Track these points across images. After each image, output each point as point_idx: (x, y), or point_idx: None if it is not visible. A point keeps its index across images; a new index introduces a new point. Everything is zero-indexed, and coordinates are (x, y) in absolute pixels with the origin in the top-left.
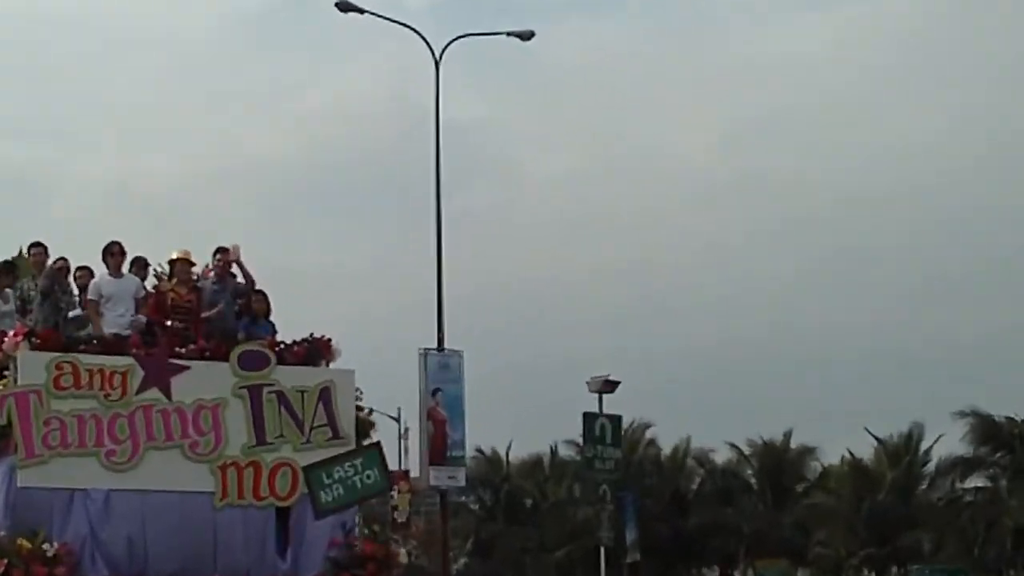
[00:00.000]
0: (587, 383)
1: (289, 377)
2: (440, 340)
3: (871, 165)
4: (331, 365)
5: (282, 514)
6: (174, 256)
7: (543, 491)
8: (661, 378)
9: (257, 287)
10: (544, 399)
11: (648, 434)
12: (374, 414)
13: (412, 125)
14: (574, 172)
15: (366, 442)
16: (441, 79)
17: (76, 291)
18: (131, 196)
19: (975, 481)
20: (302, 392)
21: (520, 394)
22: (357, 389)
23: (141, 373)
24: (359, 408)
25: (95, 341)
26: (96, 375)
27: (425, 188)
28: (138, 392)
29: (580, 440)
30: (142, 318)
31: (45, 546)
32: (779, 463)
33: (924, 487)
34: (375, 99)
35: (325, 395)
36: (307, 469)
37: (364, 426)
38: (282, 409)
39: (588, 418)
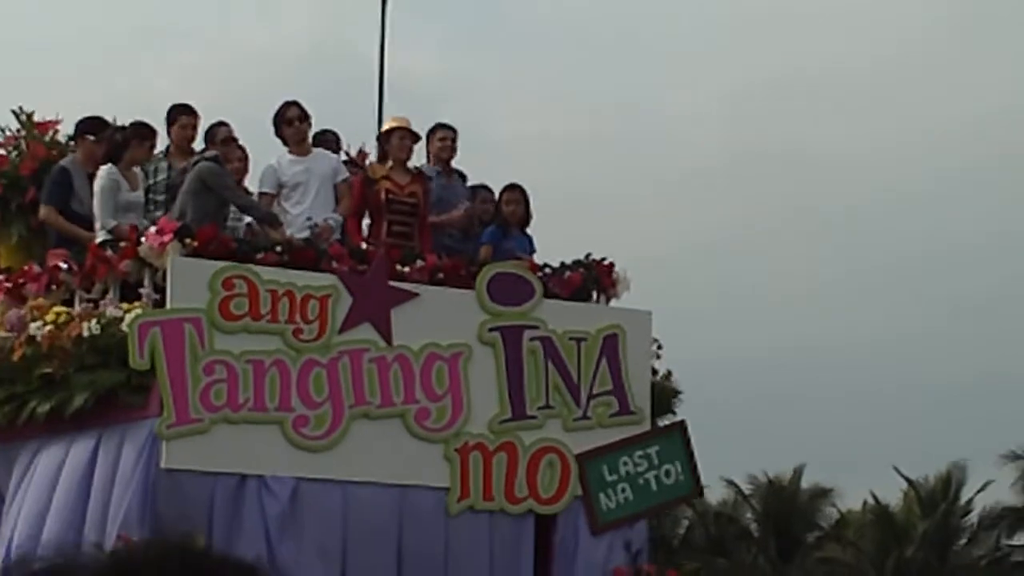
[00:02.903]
0: None
1: (560, 317)
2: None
3: (915, 146)
4: (612, 302)
5: (543, 526)
6: (389, 125)
7: None
8: None
9: (513, 182)
10: None
11: None
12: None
13: (352, 77)
14: (545, 137)
15: (665, 421)
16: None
17: None
18: None
19: None
20: (578, 341)
21: None
22: (655, 340)
23: (348, 300)
24: (654, 371)
25: (278, 248)
26: (282, 299)
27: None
28: (342, 329)
29: None
30: (337, 216)
31: None
32: (787, 507)
33: (964, 542)
34: (308, 43)
35: (610, 347)
36: (583, 459)
37: (664, 396)
38: (549, 365)
39: None
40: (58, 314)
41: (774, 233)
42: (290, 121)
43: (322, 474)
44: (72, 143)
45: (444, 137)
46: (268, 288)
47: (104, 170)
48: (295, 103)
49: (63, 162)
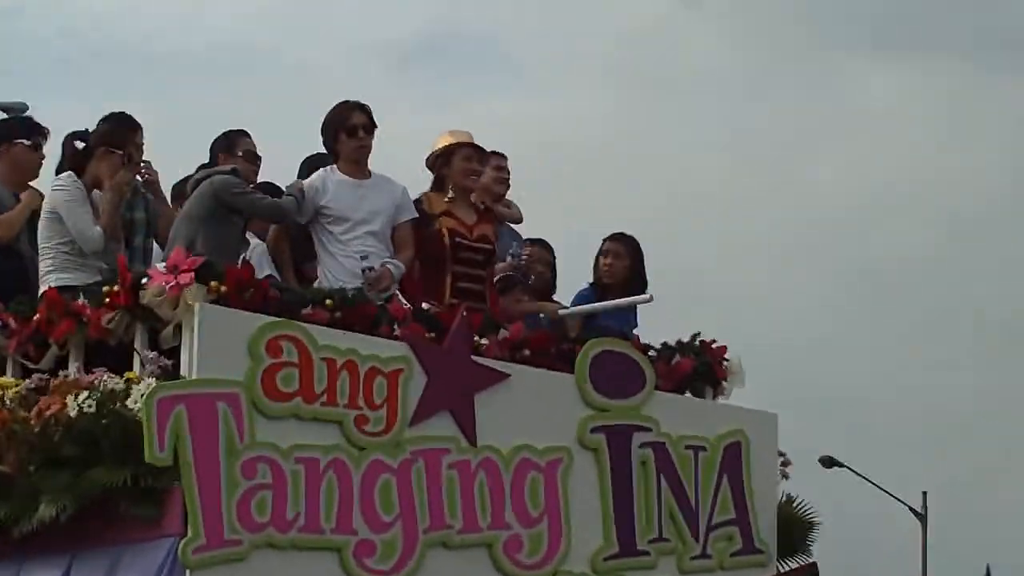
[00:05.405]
0: None
1: (673, 417)
2: None
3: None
4: (720, 397)
5: None
6: (445, 141)
7: None
8: None
9: (621, 231)
10: None
11: None
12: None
13: None
14: None
15: (794, 563)
16: None
17: None
18: None
19: None
20: (695, 450)
21: None
22: (781, 454)
23: (422, 379)
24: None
25: (328, 301)
26: (342, 373)
27: None
28: (414, 420)
29: None
30: (399, 264)
31: None
32: None
33: None
34: None
35: (732, 460)
36: None
37: (794, 530)
38: (663, 482)
39: None
40: (5, 387)
41: None
42: (353, 130)
43: None
44: None
45: (499, 166)
46: (324, 356)
47: (66, 177)
48: (363, 106)
49: None
